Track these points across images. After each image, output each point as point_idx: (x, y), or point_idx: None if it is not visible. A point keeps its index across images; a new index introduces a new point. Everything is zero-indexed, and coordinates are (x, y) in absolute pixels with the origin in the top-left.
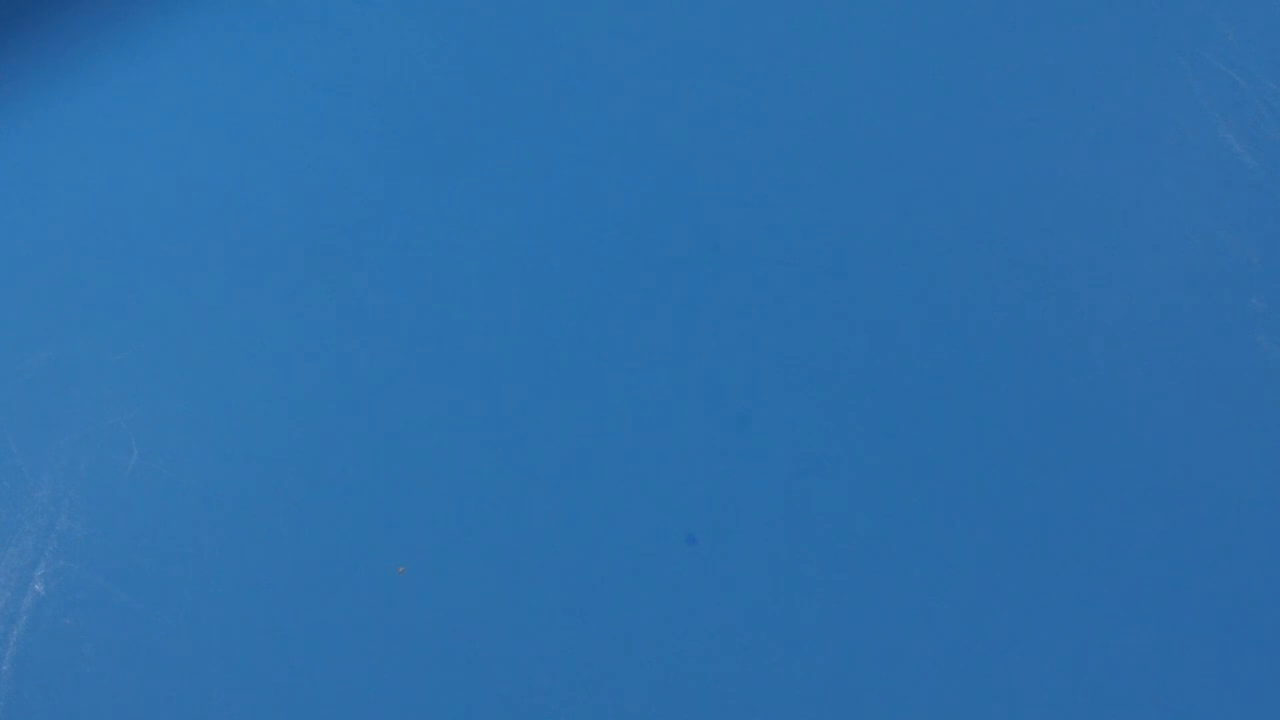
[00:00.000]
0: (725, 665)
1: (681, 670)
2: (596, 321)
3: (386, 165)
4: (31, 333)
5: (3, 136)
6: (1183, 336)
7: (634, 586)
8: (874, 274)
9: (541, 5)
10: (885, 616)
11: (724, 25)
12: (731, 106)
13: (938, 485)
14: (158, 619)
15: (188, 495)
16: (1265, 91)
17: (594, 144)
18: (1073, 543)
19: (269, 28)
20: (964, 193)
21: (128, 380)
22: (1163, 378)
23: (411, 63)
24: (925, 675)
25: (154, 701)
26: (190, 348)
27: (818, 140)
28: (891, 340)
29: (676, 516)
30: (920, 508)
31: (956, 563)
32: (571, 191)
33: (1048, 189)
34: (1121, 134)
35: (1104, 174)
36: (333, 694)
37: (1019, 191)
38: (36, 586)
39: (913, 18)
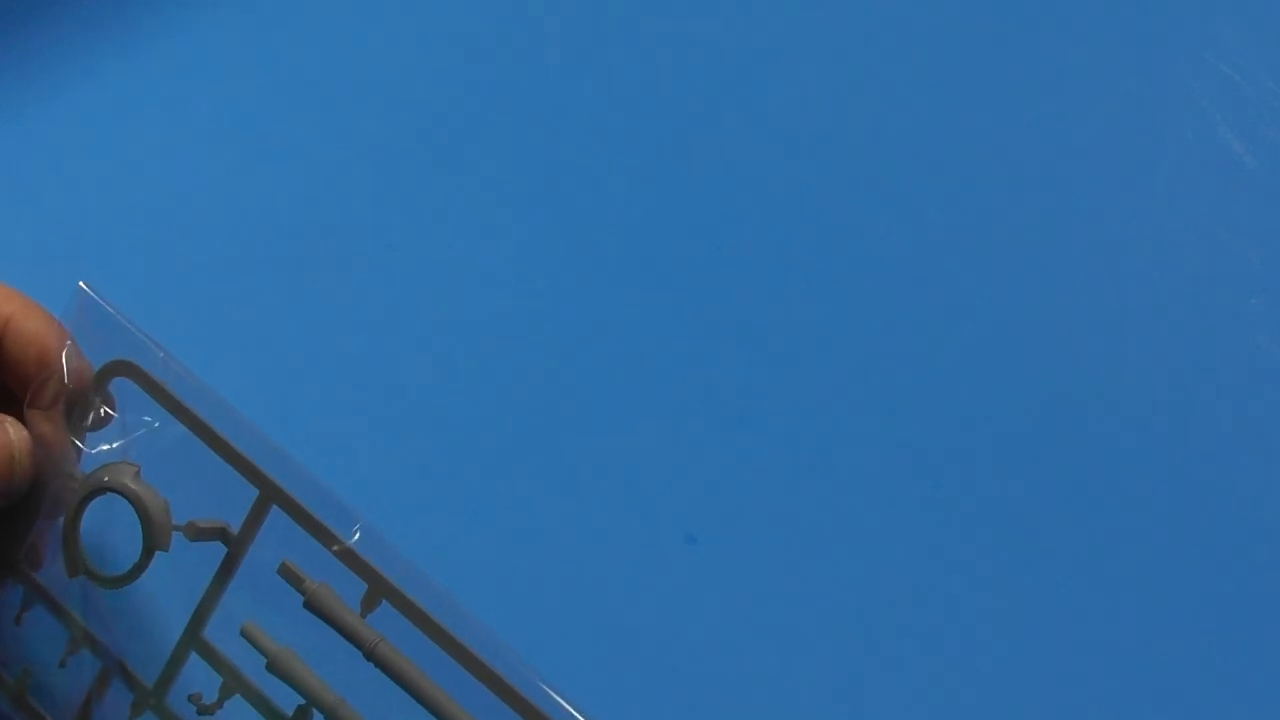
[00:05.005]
0: (725, 665)
1: (681, 670)
2: (596, 321)
3: (386, 165)
4: None
5: (2, 136)
6: (1183, 336)
7: (634, 586)
8: (874, 274)
9: (541, 5)
10: (885, 616)
11: (724, 25)
12: (731, 107)
13: (937, 485)
14: None
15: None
16: (1265, 91)
17: (594, 144)
18: (1072, 544)
19: (268, 28)
20: (964, 193)
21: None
22: (1163, 378)
23: (411, 63)
24: (925, 675)
25: None
26: (190, 348)
27: (818, 140)
28: (891, 340)
29: (676, 516)
30: (920, 507)
31: (956, 563)
32: (571, 191)
33: (1048, 189)
34: (1121, 134)
35: (1104, 174)
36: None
37: (1019, 191)
38: None
39: (913, 18)
